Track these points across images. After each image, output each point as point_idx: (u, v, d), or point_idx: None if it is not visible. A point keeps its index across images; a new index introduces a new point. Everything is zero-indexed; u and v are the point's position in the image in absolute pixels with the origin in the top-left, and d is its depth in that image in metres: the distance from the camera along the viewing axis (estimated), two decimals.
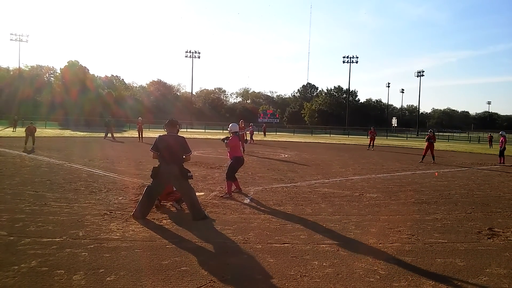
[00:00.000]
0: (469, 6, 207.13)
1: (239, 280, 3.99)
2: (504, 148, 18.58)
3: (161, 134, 6.50)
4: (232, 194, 8.43)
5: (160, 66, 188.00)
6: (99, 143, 24.56)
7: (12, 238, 5.01)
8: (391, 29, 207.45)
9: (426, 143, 18.16)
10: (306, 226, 6.13)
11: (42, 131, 33.48)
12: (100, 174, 10.71)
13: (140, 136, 27.27)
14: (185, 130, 53.99)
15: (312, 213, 7.06)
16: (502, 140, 18.76)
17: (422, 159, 17.86)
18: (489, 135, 39.45)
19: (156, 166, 6.32)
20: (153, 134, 38.15)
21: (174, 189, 6.88)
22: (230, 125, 9.13)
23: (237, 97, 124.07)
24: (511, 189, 10.52)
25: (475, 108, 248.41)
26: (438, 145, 37.22)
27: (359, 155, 21.31)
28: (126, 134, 37.33)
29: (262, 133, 46.95)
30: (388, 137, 56.18)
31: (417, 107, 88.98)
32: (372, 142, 26.27)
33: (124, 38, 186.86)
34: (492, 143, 35.82)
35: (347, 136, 56.11)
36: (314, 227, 6.05)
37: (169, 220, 6.18)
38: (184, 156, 6.37)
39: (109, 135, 27.71)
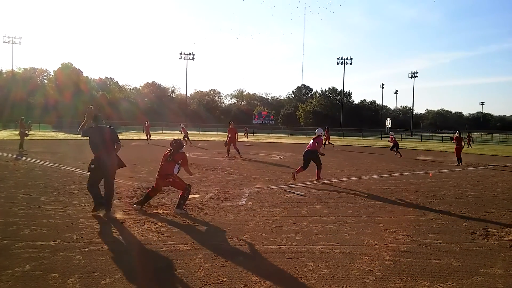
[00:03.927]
0: (460, 7, 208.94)
1: (235, 282, 3.98)
2: (394, 144, 21.78)
3: (89, 127, 6.74)
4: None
5: (154, 68, 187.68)
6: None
7: (5, 241, 4.97)
8: (385, 30, 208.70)
9: (455, 146, 17.74)
10: (301, 227, 6.13)
11: (36, 134, 33.25)
12: None
13: (148, 138, 27.97)
14: (180, 132, 53.84)
15: (307, 214, 7.07)
16: (391, 138, 22.46)
17: (458, 162, 17.28)
18: (468, 135, 40.45)
19: (93, 159, 6.52)
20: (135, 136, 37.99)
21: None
22: (317, 130, 11.39)
23: (231, 98, 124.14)
24: (505, 189, 10.60)
25: (468, 108, 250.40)
26: (432, 145, 37.55)
27: (353, 156, 21.39)
28: (120, 136, 37.10)
29: (243, 134, 46.10)
30: (382, 138, 56.38)
31: (411, 108, 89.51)
32: (327, 141, 26.13)
33: (118, 40, 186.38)
34: (471, 143, 36.63)
35: (342, 137, 56.24)
36: (309, 229, 6.06)
37: (164, 223, 6.16)
38: (115, 146, 6.70)
39: None
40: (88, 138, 6.62)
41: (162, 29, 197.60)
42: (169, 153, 7.13)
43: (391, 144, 22.08)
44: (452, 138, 18.52)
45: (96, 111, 6.99)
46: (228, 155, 17.72)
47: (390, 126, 72.89)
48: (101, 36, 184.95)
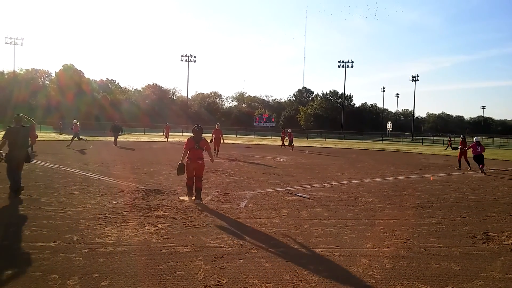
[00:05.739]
0: (461, 11, 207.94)
1: (234, 284, 3.98)
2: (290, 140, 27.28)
3: (9, 127, 7.95)
4: None
5: (155, 70, 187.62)
6: (95, 146, 24.43)
7: (6, 242, 4.97)
8: (386, 34, 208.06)
9: (458, 150, 18.01)
10: (301, 230, 6.13)
11: (37, 135, 33.28)
12: (95, 178, 10.66)
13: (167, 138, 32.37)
14: (181, 133, 53.92)
15: (308, 217, 7.06)
16: (289, 134, 27.90)
17: (459, 165, 17.42)
18: (449, 138, 42.14)
19: (7, 152, 7.73)
20: (148, 138, 38.11)
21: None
22: (475, 138, 15.95)
23: (232, 101, 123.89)
24: (506, 193, 10.58)
25: (469, 112, 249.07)
26: (433, 149, 37.46)
27: (354, 159, 21.38)
28: (120, 138, 37.10)
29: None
30: (383, 141, 56.41)
31: (412, 111, 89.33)
32: (283, 141, 29.84)
33: (120, 42, 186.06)
34: (451, 146, 35.95)
35: (343, 140, 56.27)
36: (309, 231, 6.06)
37: (164, 225, 6.16)
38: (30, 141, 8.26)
39: (113, 139, 26.37)
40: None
41: (163, 31, 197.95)
42: (193, 141, 7.88)
43: (290, 140, 27.15)
44: (460, 144, 18.44)
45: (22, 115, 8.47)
46: (215, 154, 18.44)
47: (391, 129, 72.90)
48: (102, 38, 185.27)
